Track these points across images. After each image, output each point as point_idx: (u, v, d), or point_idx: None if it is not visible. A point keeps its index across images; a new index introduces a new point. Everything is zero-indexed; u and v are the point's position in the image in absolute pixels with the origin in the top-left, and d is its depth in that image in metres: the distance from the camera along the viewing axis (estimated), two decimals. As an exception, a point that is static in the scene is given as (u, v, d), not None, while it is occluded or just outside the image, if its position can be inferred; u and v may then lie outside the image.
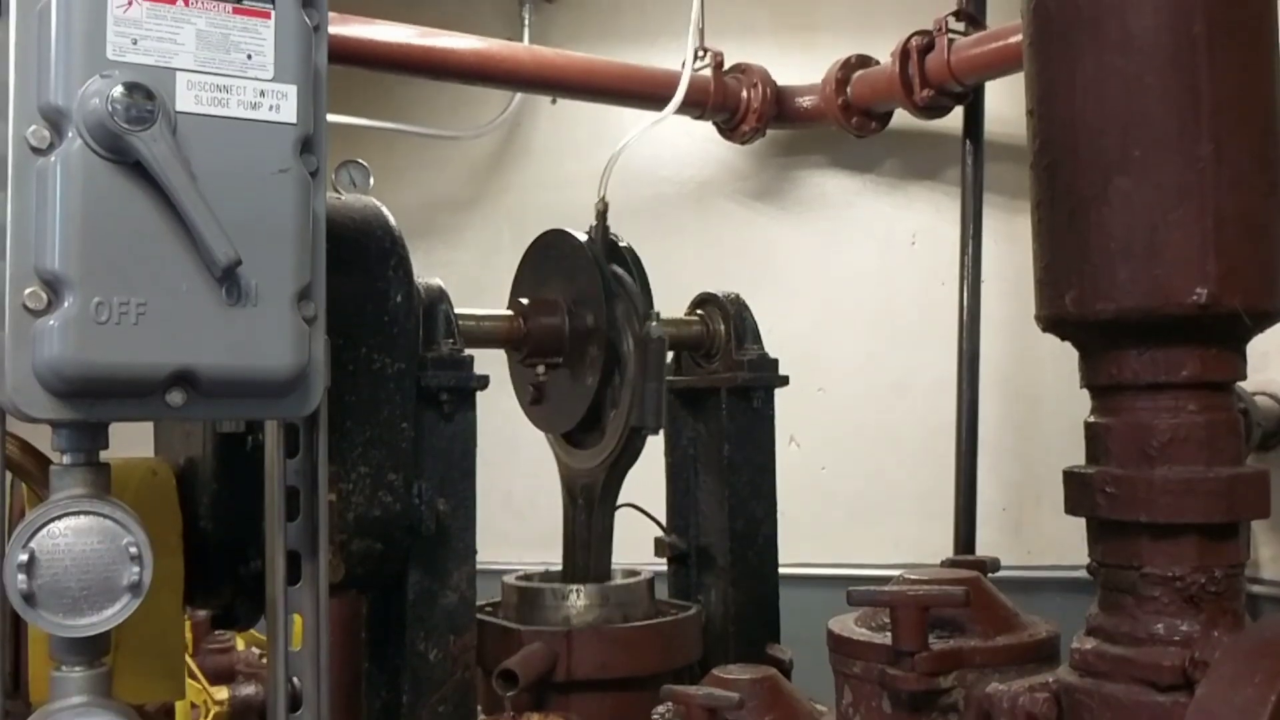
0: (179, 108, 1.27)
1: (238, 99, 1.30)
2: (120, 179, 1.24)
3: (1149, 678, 1.26)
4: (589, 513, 2.24)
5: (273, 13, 1.32)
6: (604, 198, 2.22)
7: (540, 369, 2.15)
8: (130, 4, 1.25)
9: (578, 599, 2.13)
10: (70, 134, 1.22)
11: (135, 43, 1.25)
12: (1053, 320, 1.38)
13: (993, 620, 1.54)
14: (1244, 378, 1.36)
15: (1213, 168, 1.28)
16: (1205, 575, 1.30)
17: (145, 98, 1.23)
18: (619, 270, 2.17)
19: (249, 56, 1.31)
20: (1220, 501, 1.29)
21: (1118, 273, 1.30)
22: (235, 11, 1.31)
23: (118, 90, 1.21)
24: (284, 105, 1.33)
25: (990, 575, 1.70)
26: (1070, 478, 1.39)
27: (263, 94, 1.32)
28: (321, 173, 1.39)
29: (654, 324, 2.08)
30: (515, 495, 4.14)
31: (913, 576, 1.58)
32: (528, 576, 2.31)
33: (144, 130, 1.22)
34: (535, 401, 2.22)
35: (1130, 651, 1.29)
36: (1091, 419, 1.39)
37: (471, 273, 4.64)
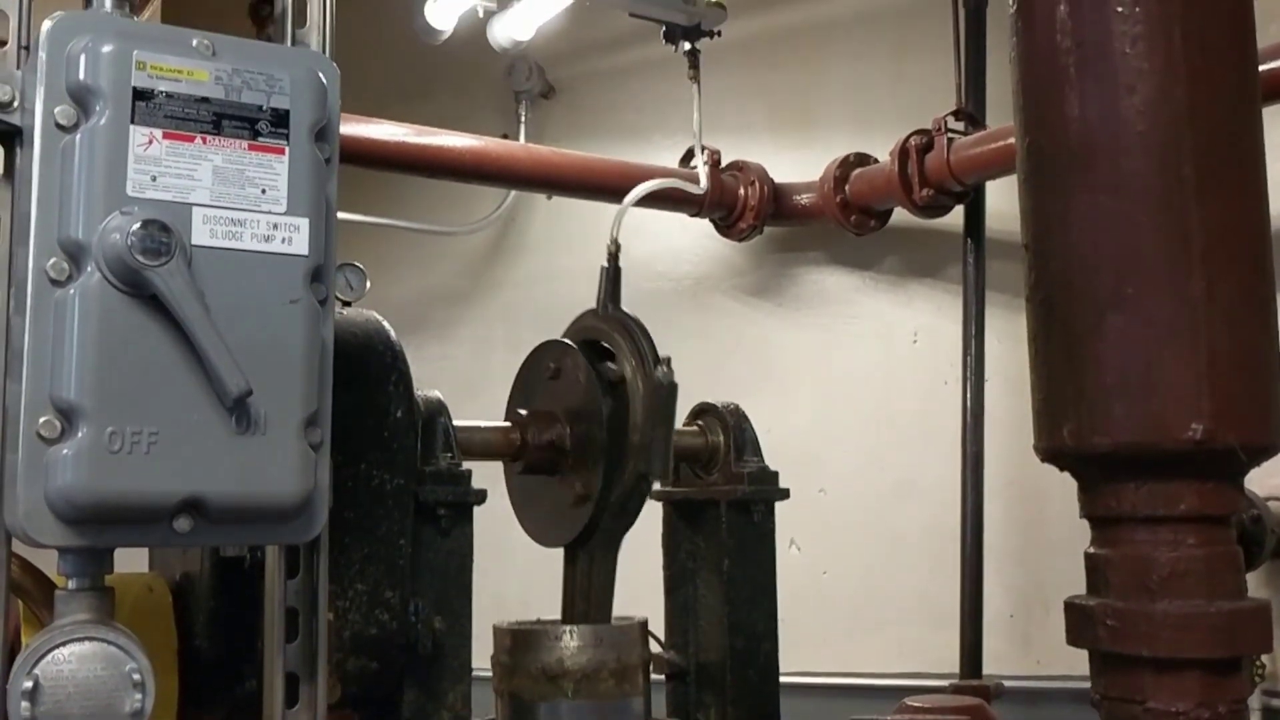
0: (195, 241, 1.30)
1: (251, 232, 1.33)
2: (136, 311, 1.26)
3: (1153, 817, 1.26)
4: (590, 560, 2.22)
5: (287, 149, 1.36)
6: (615, 239, 2.22)
7: (539, 481, 2.15)
8: (151, 142, 1.29)
9: (571, 640, 2.10)
10: (89, 268, 1.25)
11: (154, 179, 1.29)
12: (1051, 452, 1.40)
13: (995, 750, 1.53)
14: (1243, 510, 1.38)
15: (1205, 305, 1.31)
16: (1209, 711, 1.30)
17: (162, 232, 1.26)
18: (627, 312, 2.17)
19: (263, 191, 1.34)
20: (1222, 637, 1.30)
21: (1113, 407, 1.32)
22: (251, 148, 1.34)
23: (136, 226, 1.24)
24: (296, 238, 1.36)
25: (997, 691, 1.70)
26: (1072, 609, 1.39)
27: (275, 227, 1.35)
28: (330, 301, 1.42)
29: (663, 369, 2.08)
30: (507, 598, 4.10)
31: (915, 704, 1.57)
32: (520, 623, 2.27)
33: (161, 265, 1.25)
34: (534, 517, 2.22)
35: (1134, 789, 1.29)
36: (1092, 550, 1.40)
37: (465, 367, 4.66)
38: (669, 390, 2.06)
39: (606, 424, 2.09)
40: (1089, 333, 1.34)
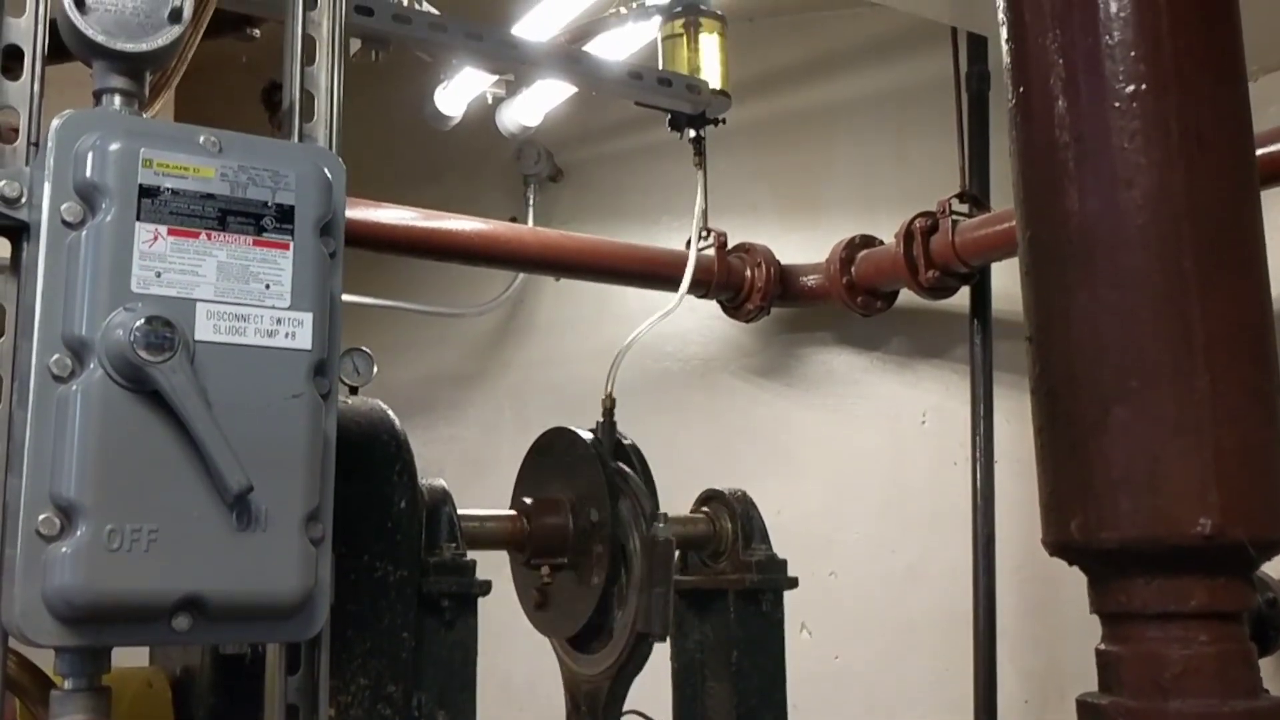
0: (198, 337, 1.30)
1: (255, 327, 1.34)
2: (138, 407, 1.26)
3: None
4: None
5: (291, 244, 1.37)
6: (610, 393, 2.24)
7: (545, 570, 2.14)
8: (156, 238, 1.30)
9: None
10: (92, 364, 1.26)
11: (159, 275, 1.30)
12: (1059, 546, 1.39)
13: None
14: (1254, 606, 1.35)
15: (1209, 400, 1.30)
16: (1226, 814, 1.27)
17: (166, 328, 1.26)
18: (624, 467, 2.18)
19: (267, 286, 1.35)
20: (1237, 738, 1.27)
21: (1120, 502, 1.31)
22: (256, 244, 1.35)
23: (140, 322, 1.25)
24: (300, 332, 1.36)
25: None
26: (1084, 707, 1.37)
27: (279, 322, 1.35)
28: (333, 395, 1.42)
29: (661, 525, 2.08)
30: (514, 681, 4.06)
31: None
32: None
33: (163, 361, 1.25)
34: (540, 606, 2.20)
35: None
36: (1102, 646, 1.38)
37: (472, 448, 4.64)
38: (666, 548, 2.06)
39: (613, 510, 2.09)
40: (1094, 427, 1.33)
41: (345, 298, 1.49)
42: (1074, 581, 4.14)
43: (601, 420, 2.22)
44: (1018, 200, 1.46)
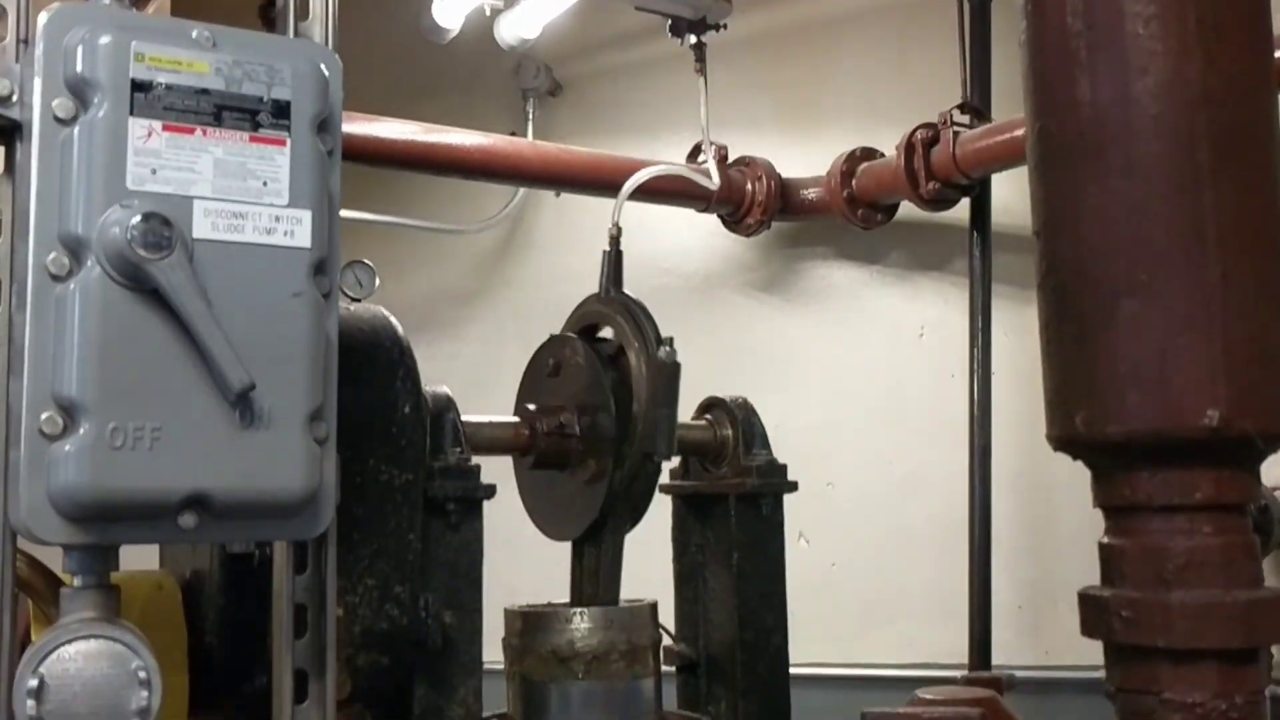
0: (196, 234, 1.29)
1: (253, 225, 1.32)
2: (137, 306, 1.25)
3: (1171, 808, 1.24)
4: (598, 545, 2.21)
5: (288, 140, 1.35)
6: (617, 223, 2.22)
7: (552, 470, 2.14)
8: (150, 135, 1.28)
9: (581, 622, 2.09)
10: (89, 262, 1.24)
11: (154, 172, 1.28)
12: (1064, 441, 1.39)
13: (1009, 743, 1.51)
14: (1258, 499, 1.36)
15: (1220, 293, 1.29)
16: (1226, 702, 1.28)
17: (163, 226, 1.25)
18: (631, 296, 2.17)
19: (265, 183, 1.33)
20: (1239, 627, 1.28)
21: (1128, 396, 1.31)
22: (252, 140, 1.33)
23: (136, 220, 1.23)
24: (298, 230, 1.34)
25: (1009, 683, 1.68)
26: (1086, 600, 1.38)
27: (278, 219, 1.34)
28: (334, 294, 1.41)
29: (666, 349, 2.08)
30: (519, 591, 4.10)
31: (928, 696, 1.56)
32: (531, 606, 2.27)
33: (161, 259, 1.24)
34: (546, 512, 2.21)
35: (1151, 781, 1.28)
36: (1105, 540, 1.39)
37: (475, 366, 4.65)
38: (672, 370, 2.05)
39: (614, 408, 2.09)
40: (1102, 320, 1.32)
41: (344, 213, 1.47)
42: (1068, 491, 4.19)
43: (607, 250, 2.20)
44: (1027, 92, 1.44)
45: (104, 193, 1.25)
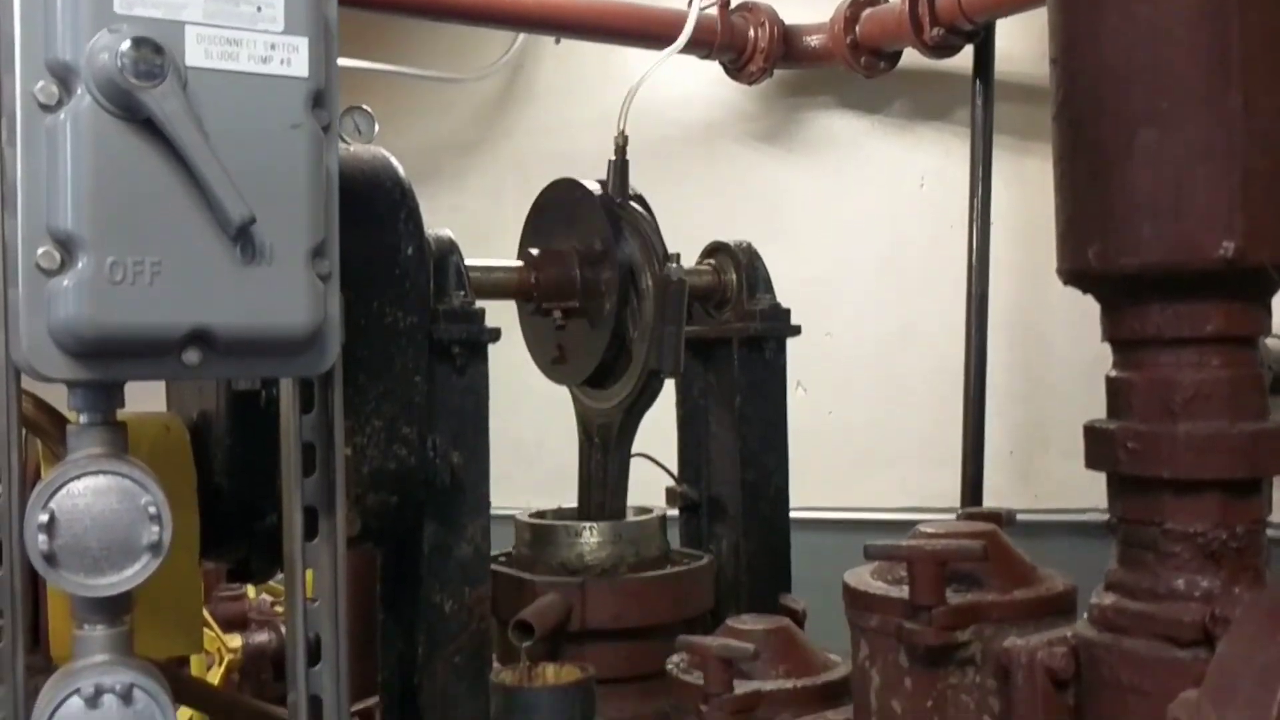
0: (189, 62, 1.24)
1: (248, 53, 1.28)
2: (131, 136, 1.21)
3: (1169, 633, 1.26)
4: (605, 453, 2.24)
5: (282, -37, 1.29)
6: (623, 130, 2.18)
7: (557, 314, 2.13)
8: (137, -45, 1.22)
9: (591, 536, 2.13)
10: (79, 90, 1.20)
11: (143, -6, 1.22)
12: (1075, 274, 1.37)
13: (1010, 574, 1.54)
14: (1269, 332, 1.35)
15: (1241, 122, 1.25)
16: (1227, 531, 1.30)
17: (154, 52, 1.20)
18: (636, 207, 2.14)
19: (259, 9, 1.28)
20: (1243, 458, 1.29)
21: (1142, 227, 1.28)
22: (244, -39, 1.27)
23: (126, 45, 1.19)
24: (295, 59, 1.30)
25: (1009, 518, 1.70)
26: (1091, 432, 1.38)
27: (273, 47, 1.29)
28: (333, 128, 1.37)
29: (674, 265, 2.06)
30: (524, 441, 4.15)
31: (929, 530, 1.58)
32: (540, 514, 2.31)
33: (154, 86, 1.20)
34: (555, 359, 2.22)
35: (1150, 607, 1.30)
36: (1113, 373, 1.38)
37: (477, 217, 4.61)
38: (678, 287, 2.04)
39: (618, 264, 2.08)
40: (1119, 151, 1.29)
41: (341, 62, 1.42)
42: (1062, 339, 4.21)
43: (613, 159, 2.17)
44: (1048, -87, 1.38)
45: (91, 16, 1.20)
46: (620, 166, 2.15)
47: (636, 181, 2.23)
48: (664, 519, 2.25)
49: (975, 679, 1.47)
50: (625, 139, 2.16)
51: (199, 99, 1.24)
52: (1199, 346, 1.31)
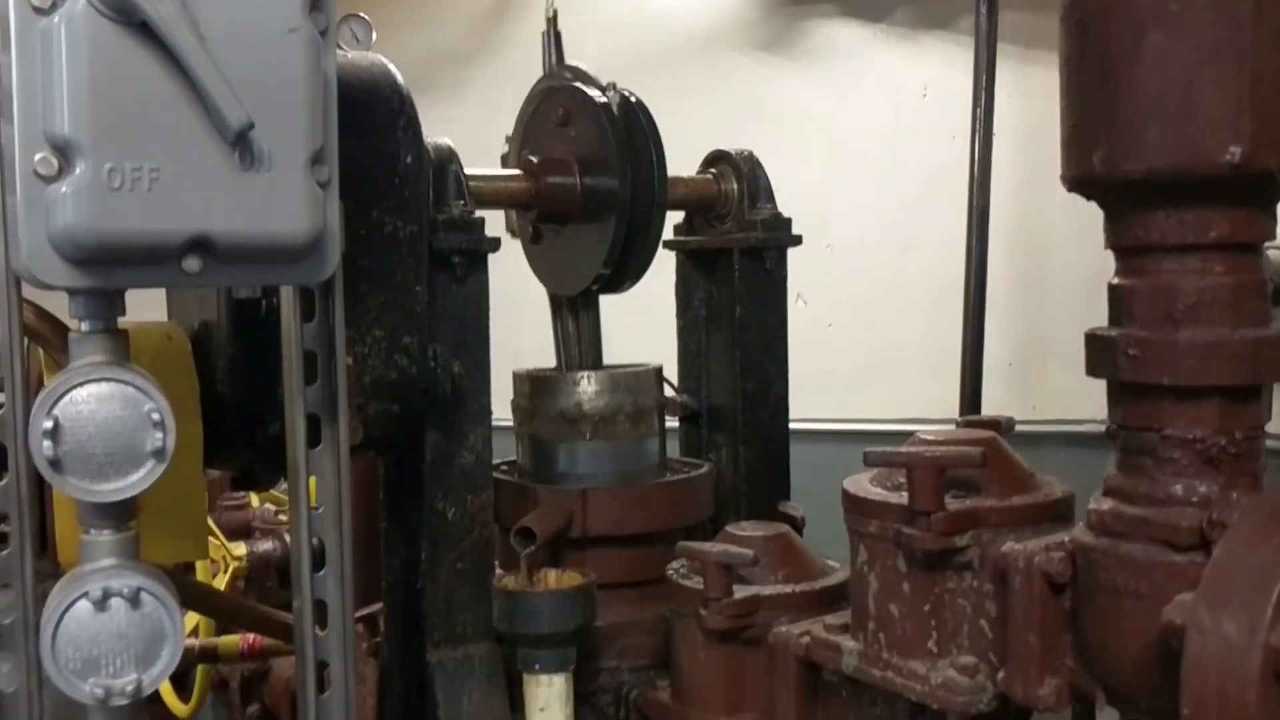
0: (183, -36, 1.22)
1: (243, -46, 1.25)
2: (127, 40, 1.19)
3: (1166, 538, 1.28)
4: (575, 315, 2.25)
5: None
6: (552, 4, 2.21)
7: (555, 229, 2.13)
8: None
9: (589, 385, 2.15)
10: (72, -8, 1.18)
11: (131, -109, 1.19)
12: (1079, 180, 1.36)
13: (1008, 481, 1.55)
14: (1274, 238, 1.35)
15: (1252, 25, 1.24)
16: (1226, 437, 1.30)
17: (147, -47, 1.18)
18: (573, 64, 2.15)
19: (254, -90, 1.25)
20: (1244, 364, 1.29)
21: (1149, 132, 1.27)
22: None
23: (118, -55, 1.16)
24: (291, -40, 1.27)
25: (1009, 425, 1.71)
26: (1092, 340, 1.38)
27: (269, -51, 1.26)
28: (331, 32, 1.34)
29: (612, 91, 2.08)
30: (524, 352, 4.14)
31: (929, 437, 1.59)
32: (539, 370, 2.32)
33: (148, -12, 1.17)
34: (550, 265, 2.21)
35: (1148, 512, 1.31)
36: (1116, 280, 1.38)
37: (475, 129, 4.54)
38: (624, 105, 2.03)
39: (619, 170, 2.06)
40: (1126, 54, 1.27)
41: None
42: (1062, 253, 4.20)
43: (544, 30, 2.16)
44: None
45: (83, -83, 1.17)
46: (554, 37, 2.15)
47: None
48: (660, 371, 2.26)
49: (973, 584, 1.49)
50: (555, 12, 2.17)
51: (194, 2, 1.22)
52: (1202, 253, 1.30)
